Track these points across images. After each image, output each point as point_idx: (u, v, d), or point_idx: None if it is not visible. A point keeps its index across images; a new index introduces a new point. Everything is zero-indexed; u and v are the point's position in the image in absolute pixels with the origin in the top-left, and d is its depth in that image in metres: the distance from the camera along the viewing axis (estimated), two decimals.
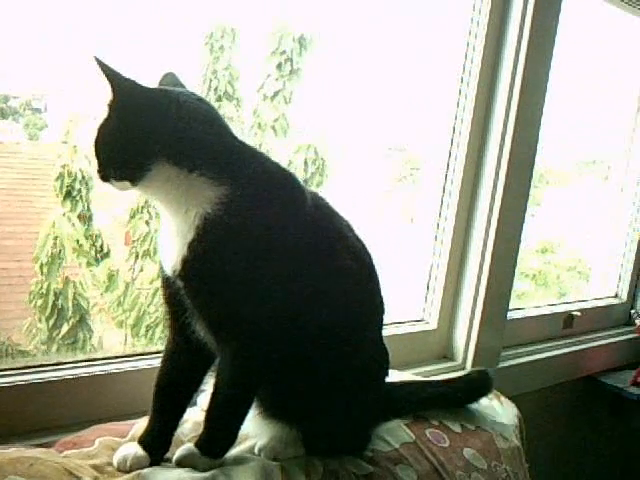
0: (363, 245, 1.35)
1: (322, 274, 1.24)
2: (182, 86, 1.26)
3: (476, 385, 1.71)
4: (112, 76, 1.11)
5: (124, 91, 1.13)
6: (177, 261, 1.15)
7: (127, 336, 2.47)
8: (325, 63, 2.47)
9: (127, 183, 1.16)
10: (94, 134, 1.17)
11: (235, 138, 1.22)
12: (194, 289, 1.17)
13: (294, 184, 1.25)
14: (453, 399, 1.67)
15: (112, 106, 1.14)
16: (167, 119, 1.14)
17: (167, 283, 1.22)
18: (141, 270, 2.51)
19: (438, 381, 1.75)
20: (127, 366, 1.55)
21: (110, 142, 1.16)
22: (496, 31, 2.11)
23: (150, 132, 1.13)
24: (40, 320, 2.27)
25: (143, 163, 1.13)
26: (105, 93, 1.14)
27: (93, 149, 1.17)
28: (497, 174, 2.14)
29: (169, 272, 1.18)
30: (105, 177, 1.17)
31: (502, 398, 1.78)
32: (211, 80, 2.44)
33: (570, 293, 3.66)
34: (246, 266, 1.15)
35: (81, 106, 2.21)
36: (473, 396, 1.70)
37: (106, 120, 1.16)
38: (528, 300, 3.22)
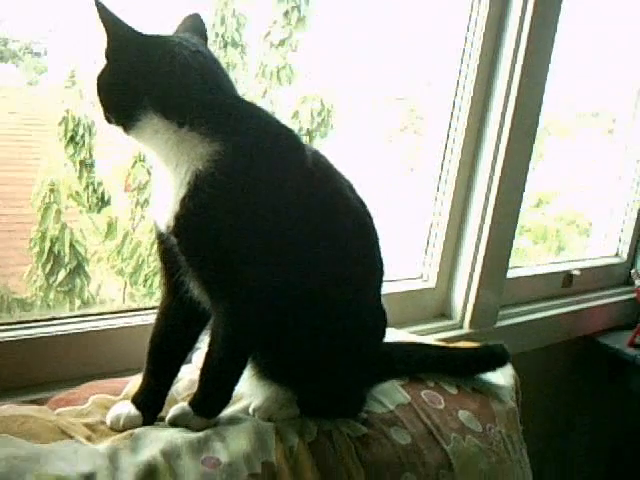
0: (364, 206, 1.33)
1: (320, 234, 1.22)
2: (203, 30, 1.25)
3: (488, 358, 1.70)
4: (108, 20, 1.10)
5: (118, 37, 1.12)
6: (170, 217, 1.14)
7: (126, 284, 2.47)
8: (331, 11, 2.44)
9: (121, 129, 1.16)
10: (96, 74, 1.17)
11: (233, 94, 1.20)
12: (187, 246, 1.16)
13: (292, 141, 1.24)
14: (455, 366, 1.66)
15: (107, 51, 1.13)
16: (158, 70, 1.12)
17: (161, 239, 1.21)
18: (142, 218, 2.50)
19: (437, 345, 1.74)
20: (122, 322, 1.55)
21: (104, 87, 1.16)
22: None
23: (139, 81, 1.12)
24: (37, 266, 2.27)
25: (132, 113, 1.13)
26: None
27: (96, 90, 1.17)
28: (501, 126, 2.11)
29: (162, 228, 1.17)
30: (108, 119, 1.18)
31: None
32: (218, 26, 2.41)
33: (569, 248, 3.64)
34: (238, 223, 1.14)
35: (83, 49, 2.17)
36: (480, 367, 1.69)
37: (105, 64, 1.15)
38: (527, 256, 3.21)
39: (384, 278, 1.40)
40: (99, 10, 1.09)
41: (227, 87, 1.19)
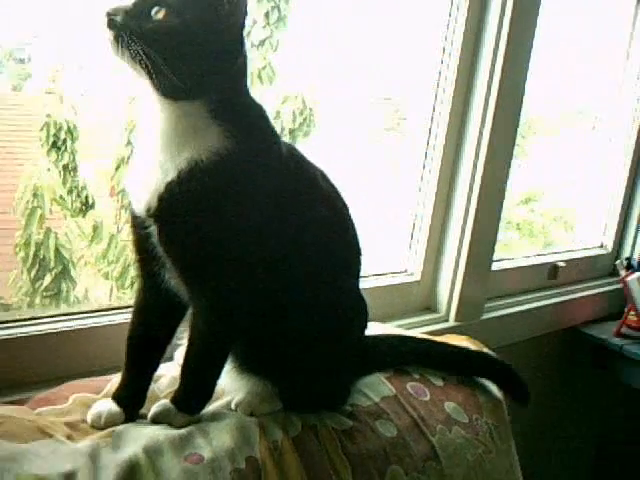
0: (338, 194, 1.33)
1: (296, 224, 1.22)
2: None
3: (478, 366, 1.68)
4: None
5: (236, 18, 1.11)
6: (152, 198, 1.12)
7: (113, 288, 2.46)
8: (312, 11, 2.43)
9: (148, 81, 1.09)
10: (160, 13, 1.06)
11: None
12: (168, 233, 1.14)
13: (275, 138, 1.23)
14: (440, 362, 1.63)
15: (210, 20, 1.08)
16: (240, 66, 1.14)
17: (137, 227, 1.18)
18: (127, 222, 2.50)
19: (422, 338, 1.72)
20: (104, 320, 1.53)
21: (179, 43, 1.07)
22: None
23: (218, 65, 1.11)
24: (22, 272, 2.26)
25: (197, 87, 1.10)
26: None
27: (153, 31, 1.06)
28: (483, 122, 2.11)
29: (142, 211, 1.14)
30: (126, 44, 1.05)
31: (485, 350, 1.77)
32: None
33: (556, 243, 3.65)
34: (222, 213, 1.12)
35: (66, 55, 2.16)
36: (466, 371, 1.66)
37: (192, 18, 1.07)
38: (514, 251, 3.21)
39: (363, 267, 1.39)
40: None
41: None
